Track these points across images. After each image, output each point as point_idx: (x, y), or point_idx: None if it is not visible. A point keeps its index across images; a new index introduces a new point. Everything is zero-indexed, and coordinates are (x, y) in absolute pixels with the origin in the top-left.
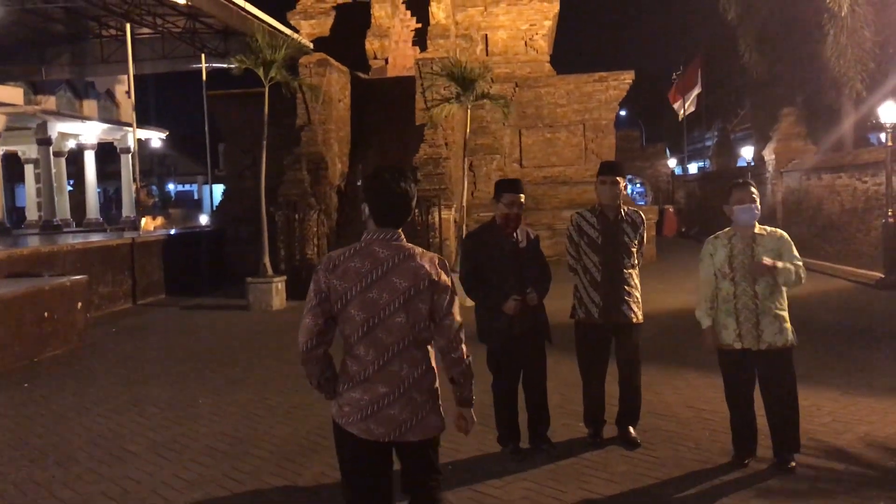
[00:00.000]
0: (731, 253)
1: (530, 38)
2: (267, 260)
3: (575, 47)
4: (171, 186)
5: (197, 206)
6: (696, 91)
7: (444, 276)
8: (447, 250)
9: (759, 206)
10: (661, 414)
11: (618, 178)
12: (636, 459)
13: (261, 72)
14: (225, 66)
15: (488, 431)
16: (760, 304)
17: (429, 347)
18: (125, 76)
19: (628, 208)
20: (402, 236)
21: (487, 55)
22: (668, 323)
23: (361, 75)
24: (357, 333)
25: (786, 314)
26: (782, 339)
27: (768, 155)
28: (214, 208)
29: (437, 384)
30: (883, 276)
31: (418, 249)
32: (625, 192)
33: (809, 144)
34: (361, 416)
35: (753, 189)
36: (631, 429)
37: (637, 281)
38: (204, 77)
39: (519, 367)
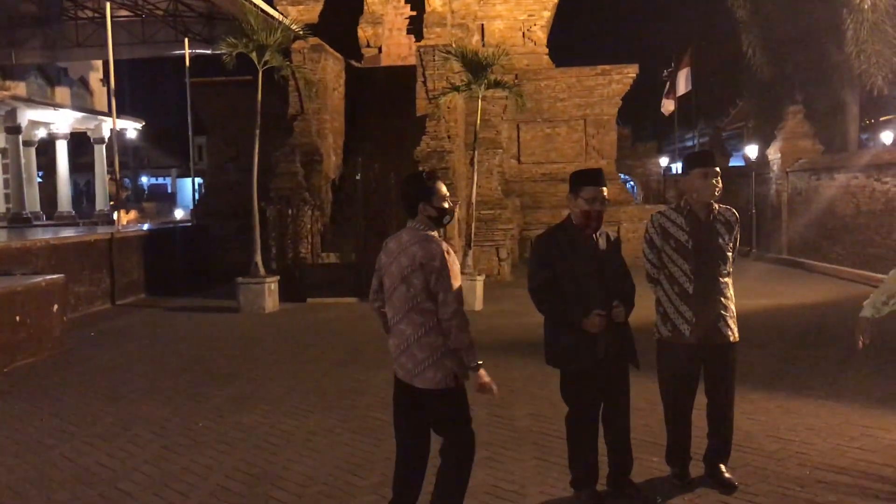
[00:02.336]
0: None
1: (528, 29)
2: (259, 259)
3: (568, 40)
4: (144, 179)
5: (171, 199)
6: (684, 89)
7: (437, 261)
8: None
9: None
10: (743, 446)
11: (718, 170)
12: None
13: (254, 56)
14: (210, 52)
15: (552, 467)
16: None
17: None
18: (99, 62)
19: (720, 205)
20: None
21: (483, 46)
22: None
23: (355, 64)
24: (387, 296)
25: None
26: None
27: (773, 154)
28: (195, 203)
29: (441, 346)
30: None
31: (432, 237)
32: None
33: (817, 144)
34: (393, 359)
35: None
36: (723, 467)
37: (732, 291)
38: (187, 63)
39: (600, 397)
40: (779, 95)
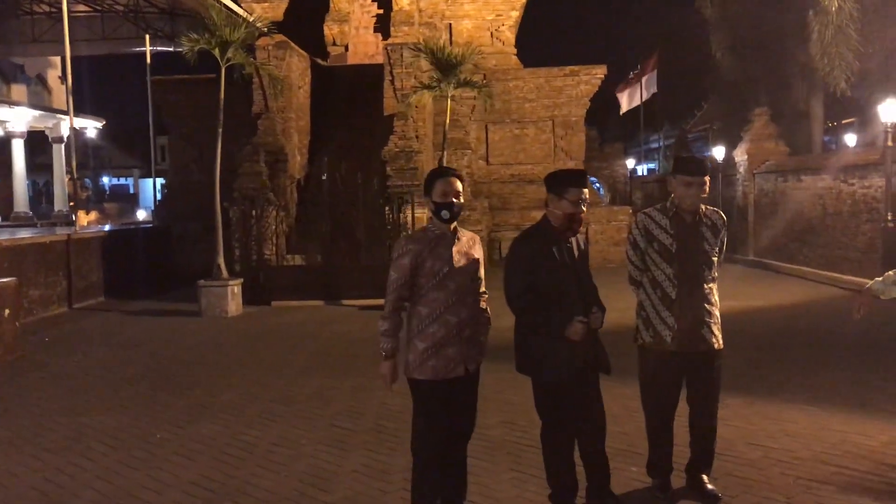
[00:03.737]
0: None
1: (496, 29)
2: (221, 260)
3: (537, 40)
4: (105, 180)
5: (133, 200)
6: (647, 95)
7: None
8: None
9: None
10: (724, 454)
11: (706, 179)
12: None
13: (217, 52)
14: (172, 49)
15: (529, 479)
16: None
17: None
18: (58, 59)
19: (707, 208)
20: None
21: (451, 46)
22: None
23: (321, 62)
24: None
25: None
26: None
27: (740, 156)
28: (157, 204)
29: (408, 335)
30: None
31: (408, 236)
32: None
33: (782, 146)
34: None
35: None
36: (706, 478)
37: (717, 297)
38: (148, 60)
39: (576, 407)
40: (744, 97)
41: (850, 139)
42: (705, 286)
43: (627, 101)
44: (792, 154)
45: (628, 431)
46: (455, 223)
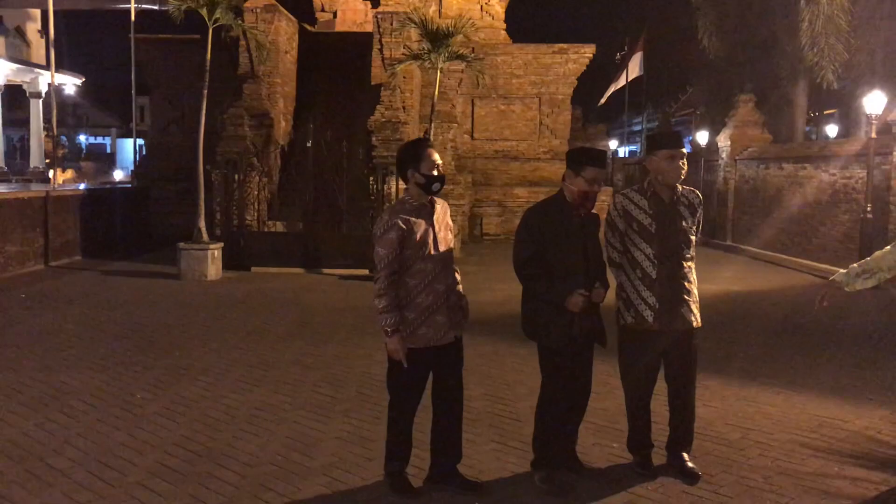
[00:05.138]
0: None
1: (486, 3)
2: (202, 224)
3: (525, 16)
4: (82, 138)
5: (110, 160)
6: (637, 73)
7: (377, 229)
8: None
9: None
10: (703, 434)
11: (685, 151)
12: (703, 498)
13: (204, 12)
14: (157, 7)
15: (510, 451)
16: None
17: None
18: (38, 12)
19: (683, 187)
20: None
21: (440, 17)
22: None
23: (309, 27)
24: None
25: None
26: None
27: (723, 141)
28: (136, 164)
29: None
30: None
31: (391, 208)
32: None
33: (766, 133)
34: None
35: None
36: (686, 456)
37: (695, 276)
38: (132, 17)
39: (571, 376)
40: (730, 83)
41: (831, 130)
42: (685, 264)
43: (613, 85)
44: (775, 142)
45: (609, 408)
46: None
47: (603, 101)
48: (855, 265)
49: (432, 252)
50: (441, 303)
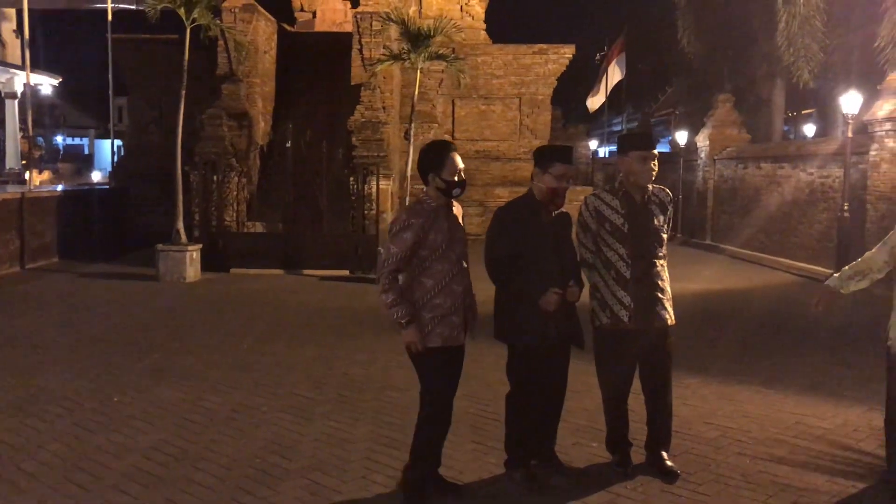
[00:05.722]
0: None
1: (467, 3)
2: (181, 225)
3: (505, 16)
4: (59, 139)
5: (88, 161)
6: (619, 77)
7: (394, 225)
8: (384, 223)
9: None
10: (682, 433)
11: (656, 153)
12: (682, 497)
13: (182, 12)
14: (134, 7)
15: (490, 451)
16: None
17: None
18: (13, 12)
19: (653, 186)
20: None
21: (420, 17)
22: None
23: (288, 27)
24: None
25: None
26: None
27: (702, 141)
28: (114, 165)
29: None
30: (834, 271)
31: (412, 205)
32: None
33: (744, 133)
34: None
35: None
36: (665, 455)
37: (667, 274)
38: (109, 17)
39: (545, 376)
40: (709, 83)
41: (809, 129)
42: (657, 263)
43: (597, 99)
44: (753, 142)
45: (589, 407)
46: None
47: (594, 109)
48: (846, 268)
49: (449, 253)
50: (458, 304)
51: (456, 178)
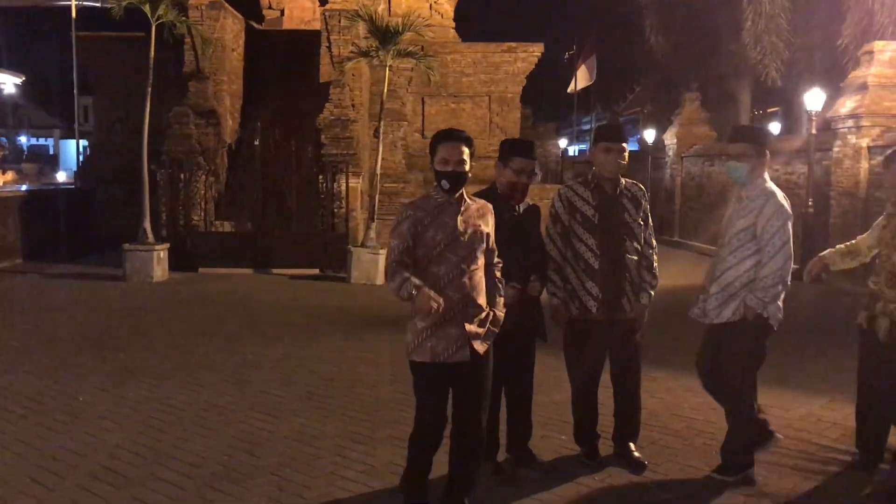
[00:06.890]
0: None
1: (435, 1)
2: (148, 224)
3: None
4: (23, 139)
5: (53, 162)
6: (589, 80)
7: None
8: (354, 221)
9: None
10: (649, 424)
11: (624, 145)
12: (650, 487)
13: (147, 8)
14: (99, 4)
15: None
16: None
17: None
18: None
19: (627, 180)
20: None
21: (389, 15)
22: None
23: (255, 25)
24: None
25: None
26: None
27: (669, 139)
28: (79, 165)
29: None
30: (798, 266)
31: (414, 201)
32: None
33: (711, 130)
34: None
35: None
36: (633, 446)
37: (650, 264)
38: (73, 15)
39: (505, 369)
40: (676, 81)
41: (775, 127)
42: (627, 256)
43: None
44: (719, 139)
45: (558, 401)
46: (462, 191)
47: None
48: (842, 246)
49: (448, 255)
50: (456, 313)
51: (440, 168)
